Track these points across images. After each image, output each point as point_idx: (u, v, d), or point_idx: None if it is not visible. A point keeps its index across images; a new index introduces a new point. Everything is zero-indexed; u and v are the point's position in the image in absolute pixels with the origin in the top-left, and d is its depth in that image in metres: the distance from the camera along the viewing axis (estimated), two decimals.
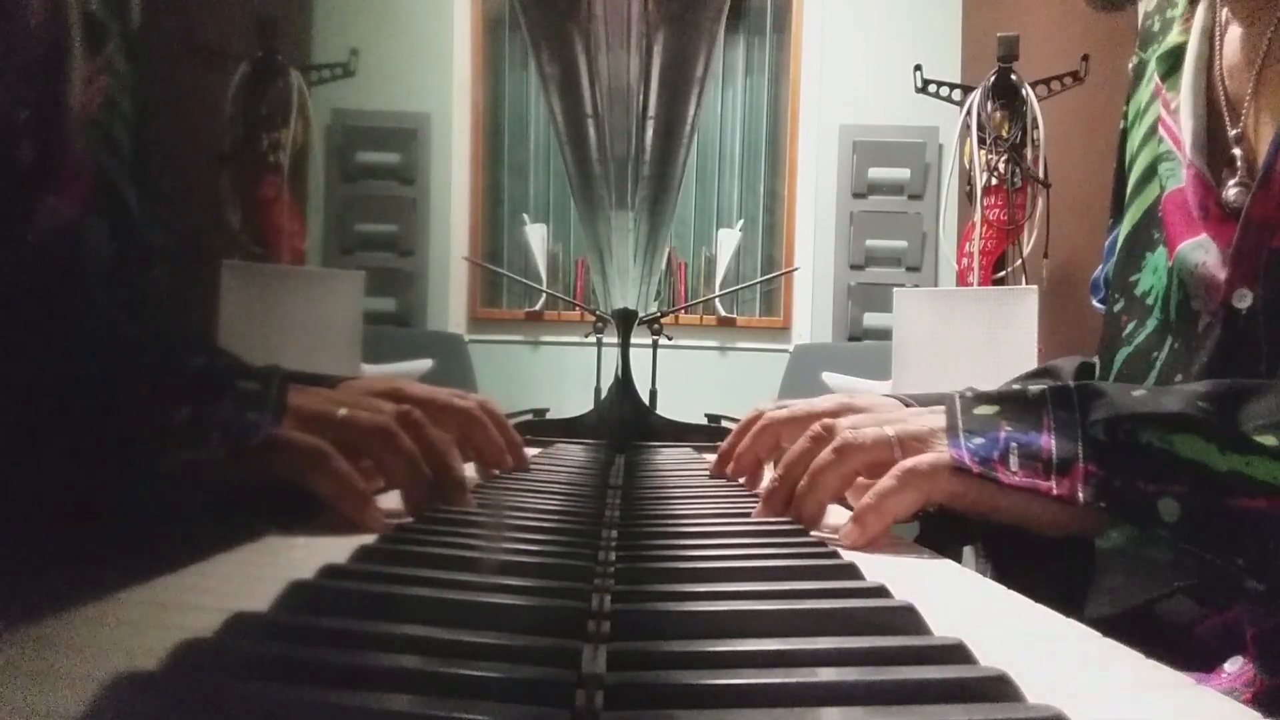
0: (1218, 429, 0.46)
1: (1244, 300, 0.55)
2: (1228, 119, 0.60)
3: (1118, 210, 0.72)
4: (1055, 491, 0.49)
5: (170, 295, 0.64)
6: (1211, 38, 0.62)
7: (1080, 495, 0.48)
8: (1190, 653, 0.53)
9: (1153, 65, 0.66)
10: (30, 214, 0.47)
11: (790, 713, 0.23)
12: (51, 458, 0.44)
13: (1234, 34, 0.61)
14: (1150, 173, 0.65)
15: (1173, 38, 0.65)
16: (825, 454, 0.54)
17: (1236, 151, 0.59)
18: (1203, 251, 0.58)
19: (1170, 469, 0.47)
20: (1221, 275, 0.56)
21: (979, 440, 0.51)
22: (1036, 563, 0.56)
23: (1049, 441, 0.50)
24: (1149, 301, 0.63)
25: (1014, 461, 0.50)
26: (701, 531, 0.50)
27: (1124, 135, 0.71)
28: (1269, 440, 0.45)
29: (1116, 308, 0.66)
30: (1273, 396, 0.47)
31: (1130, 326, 0.64)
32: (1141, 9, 0.75)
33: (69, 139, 0.51)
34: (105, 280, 0.54)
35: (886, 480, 0.51)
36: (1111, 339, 0.66)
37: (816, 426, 0.56)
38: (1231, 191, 0.58)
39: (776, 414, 0.67)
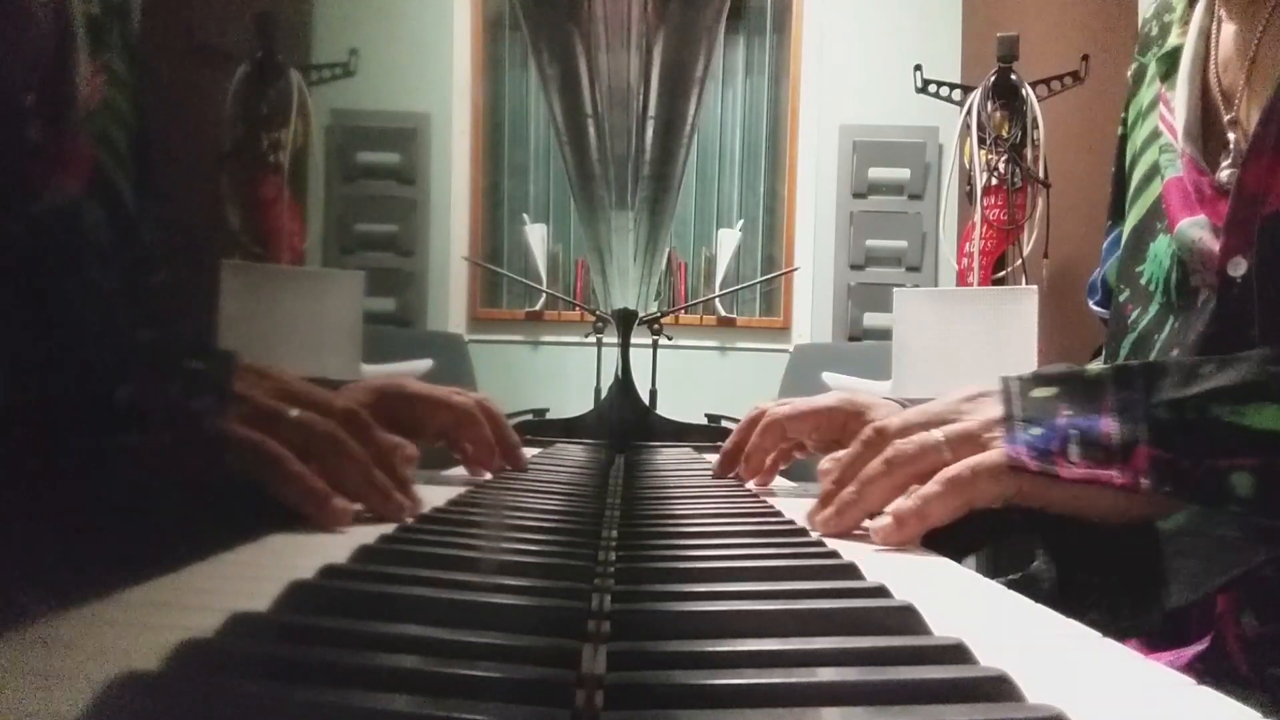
0: None
1: (1238, 268, 0.56)
2: (1222, 109, 0.61)
3: (1116, 213, 0.73)
4: (1118, 481, 0.47)
5: (168, 291, 0.64)
6: (1208, 37, 0.64)
7: (1143, 483, 0.47)
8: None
9: (1153, 68, 0.67)
10: (30, 196, 0.48)
11: (790, 713, 0.23)
12: (33, 449, 0.44)
13: (1228, 31, 0.63)
14: (1154, 171, 0.66)
15: (1171, 40, 0.66)
16: (875, 464, 0.52)
17: (1230, 136, 0.60)
18: (1199, 228, 0.59)
19: (1242, 441, 0.46)
20: (1217, 247, 0.57)
21: (1037, 430, 0.49)
22: (1103, 560, 0.54)
23: (1110, 426, 0.48)
24: (1151, 287, 0.64)
25: (1074, 452, 0.48)
26: (701, 531, 0.50)
27: (1123, 140, 0.72)
28: None
29: (1122, 298, 0.68)
30: None
31: (1135, 314, 0.66)
32: (1140, 15, 0.77)
33: (68, 129, 0.51)
34: (101, 270, 0.54)
35: (932, 486, 0.50)
36: (1118, 328, 0.68)
37: (869, 431, 0.55)
38: (1224, 174, 0.59)
39: (780, 409, 0.68)
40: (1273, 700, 0.49)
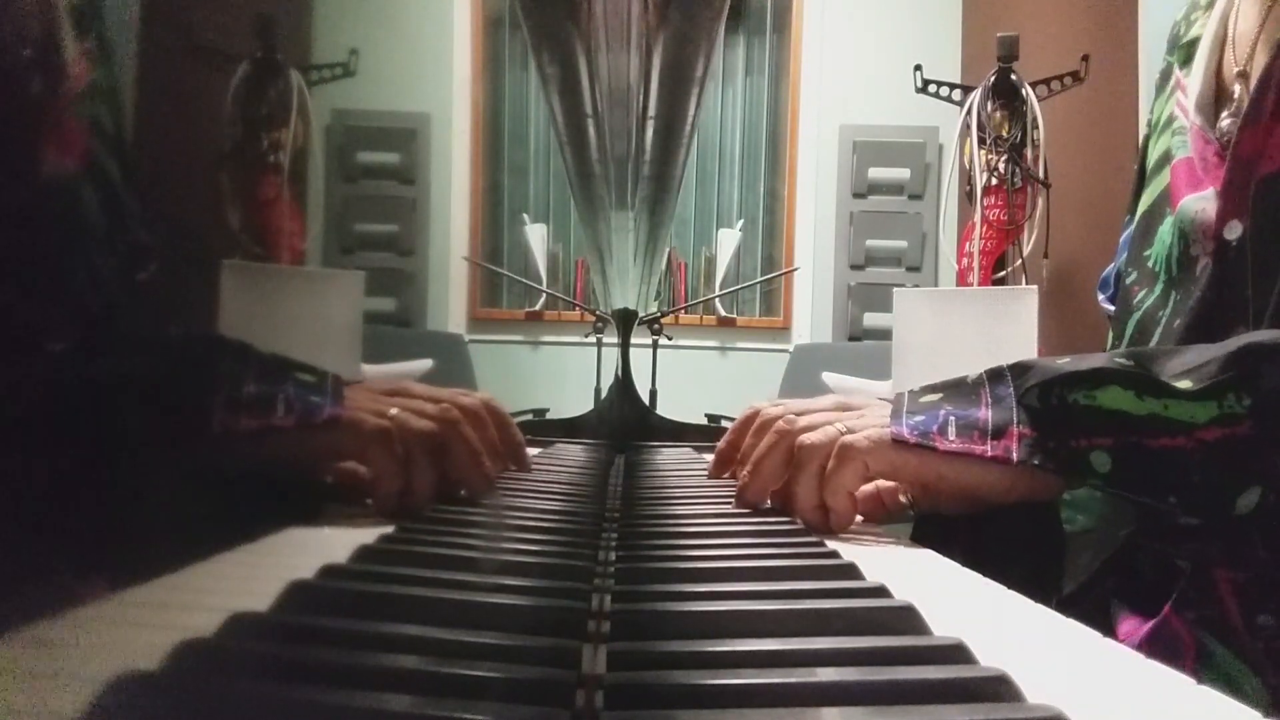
0: (1135, 378, 0.49)
1: (1234, 231, 0.58)
2: (1233, 67, 0.62)
3: (1135, 209, 0.73)
4: (990, 454, 0.51)
5: (168, 290, 0.64)
6: (1227, 19, 0.65)
7: (1014, 455, 0.50)
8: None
9: (1174, 58, 0.68)
10: (18, 181, 0.48)
11: (790, 713, 0.23)
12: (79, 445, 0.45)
13: (1247, 4, 0.63)
14: (1166, 158, 0.67)
15: (1193, 31, 0.67)
16: (767, 439, 0.58)
17: (1236, 88, 0.61)
18: (1203, 201, 0.60)
19: (1098, 422, 0.49)
20: (1215, 214, 0.59)
21: (919, 418, 0.54)
22: (1008, 555, 0.57)
23: (986, 414, 0.52)
24: (1156, 269, 0.65)
25: (951, 432, 0.52)
26: (701, 531, 0.50)
27: (1146, 139, 0.72)
28: (1185, 384, 0.48)
29: (1130, 280, 0.69)
30: (1189, 353, 0.50)
31: (1140, 294, 0.67)
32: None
33: (54, 117, 0.51)
34: (91, 263, 0.55)
35: (830, 462, 0.54)
36: (1124, 311, 0.69)
37: (781, 424, 0.59)
38: (1225, 122, 0.60)
39: (772, 410, 0.68)
40: (1264, 650, 0.51)
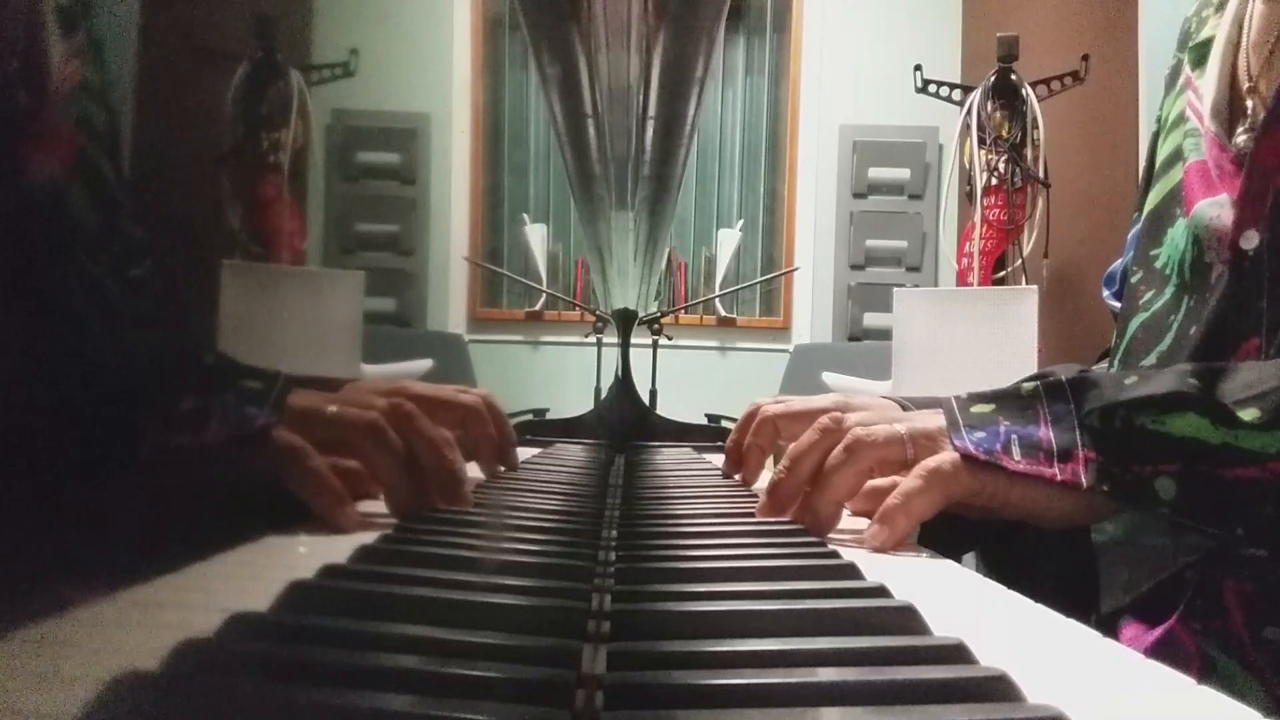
0: (1210, 404, 0.47)
1: (1250, 241, 0.57)
2: (1245, 79, 0.62)
3: (1142, 206, 0.73)
4: (1060, 477, 0.49)
5: (167, 294, 0.64)
6: (1241, 24, 0.64)
7: (1084, 479, 0.49)
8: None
9: (1185, 58, 0.68)
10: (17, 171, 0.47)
11: (790, 713, 0.23)
12: (42, 450, 0.44)
13: (1259, 12, 0.63)
14: (1176, 156, 0.66)
15: (1205, 31, 0.67)
16: (837, 452, 0.53)
17: (1249, 103, 0.60)
18: (1218, 207, 0.59)
19: (1164, 449, 0.48)
20: (1231, 222, 0.58)
21: (980, 434, 0.51)
22: (1037, 568, 0.56)
23: (1047, 433, 0.51)
24: (1167, 271, 0.64)
25: (1016, 451, 0.50)
26: (701, 531, 0.50)
27: (1155, 136, 0.72)
28: (1248, 414, 0.47)
29: (1135, 279, 0.68)
30: (1246, 372, 0.49)
31: (1148, 295, 0.66)
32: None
33: (43, 115, 0.51)
34: (92, 267, 0.54)
35: (912, 480, 0.50)
36: (1128, 308, 0.68)
37: (826, 420, 0.55)
38: (1241, 138, 0.60)
39: (773, 408, 0.67)
40: (1270, 665, 0.50)
